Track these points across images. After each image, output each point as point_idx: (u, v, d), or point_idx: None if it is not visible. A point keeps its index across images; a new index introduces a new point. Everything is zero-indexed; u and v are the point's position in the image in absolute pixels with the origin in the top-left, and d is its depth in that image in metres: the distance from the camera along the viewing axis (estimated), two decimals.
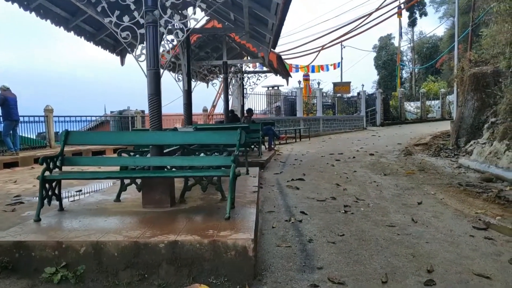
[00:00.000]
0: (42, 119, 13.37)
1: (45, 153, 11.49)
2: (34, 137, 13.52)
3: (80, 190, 7.31)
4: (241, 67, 15.11)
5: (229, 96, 15.83)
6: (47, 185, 4.52)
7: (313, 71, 28.91)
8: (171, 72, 9.67)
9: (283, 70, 14.16)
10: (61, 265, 3.58)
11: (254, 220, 4.26)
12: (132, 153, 5.35)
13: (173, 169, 5.02)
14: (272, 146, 14.50)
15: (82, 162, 4.95)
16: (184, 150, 5.22)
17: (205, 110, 20.34)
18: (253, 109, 15.46)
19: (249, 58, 13.48)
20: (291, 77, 16.37)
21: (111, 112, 19.80)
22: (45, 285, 3.46)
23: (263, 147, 13.75)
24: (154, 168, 4.95)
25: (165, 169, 5.01)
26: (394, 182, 8.39)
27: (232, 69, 14.70)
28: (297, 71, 26.77)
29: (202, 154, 5.24)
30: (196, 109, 22.57)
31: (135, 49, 5.11)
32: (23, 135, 12.66)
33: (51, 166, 4.61)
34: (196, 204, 5.08)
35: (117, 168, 5.18)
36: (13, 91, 11.33)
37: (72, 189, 7.43)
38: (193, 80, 9.36)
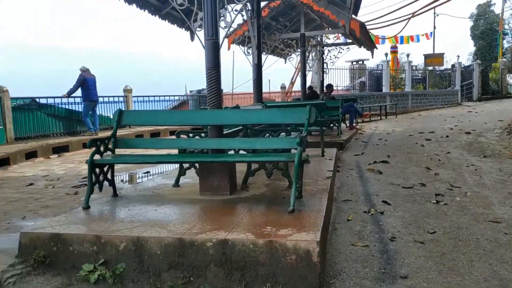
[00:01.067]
0: (121, 99, 13.62)
1: (124, 133, 11.61)
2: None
3: (148, 172, 7.08)
4: (321, 39, 14.09)
5: (308, 72, 14.97)
6: (97, 170, 4.18)
7: (401, 42, 26.71)
8: (240, 45, 9.10)
9: (367, 40, 12.94)
10: (99, 262, 3.17)
11: (323, 214, 3.55)
12: (191, 135, 4.85)
13: (233, 153, 4.44)
14: (354, 124, 13.47)
15: (136, 144, 4.57)
16: (247, 131, 4.60)
17: (283, 87, 19.61)
18: (333, 85, 14.47)
19: (329, 29, 12.44)
20: (376, 48, 15.01)
21: (190, 91, 19.87)
22: (80, 284, 3.07)
23: (343, 125, 12.80)
24: (213, 151, 4.41)
25: (226, 153, 4.45)
26: (496, 166, 7.11)
27: (310, 42, 13.75)
28: (383, 42, 24.92)
29: (267, 135, 4.60)
30: (274, 87, 21.98)
31: (191, 17, 4.54)
32: (104, 114, 12.96)
33: (101, 149, 4.25)
34: (259, 192, 4.47)
35: (173, 151, 4.71)
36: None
37: (139, 171, 7.23)
38: (264, 53, 8.68)
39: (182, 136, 4.81)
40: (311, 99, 12.38)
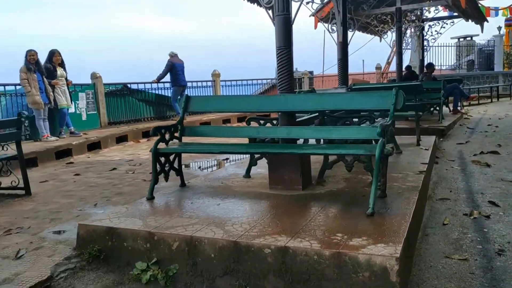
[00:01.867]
0: (209, 84, 13.66)
1: (211, 117, 11.59)
2: None
3: (227, 158, 6.85)
4: (420, 13, 12.74)
5: (405, 50, 13.73)
6: (162, 159, 3.96)
7: None
8: (323, 22, 8.38)
9: (475, 12, 11.40)
10: (152, 261, 2.93)
11: (409, 220, 2.94)
12: (262, 122, 4.44)
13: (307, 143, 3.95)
14: (459, 108, 12.07)
15: (203, 132, 4.28)
16: (324, 118, 4.06)
17: (378, 67, 18.34)
18: (435, 64, 13.09)
19: (430, 1, 11.14)
20: (487, 21, 13.23)
21: None
22: (132, 284, 2.85)
23: (446, 109, 11.51)
24: (283, 141, 3.96)
25: (297, 143, 3.98)
26: None
27: (408, 17, 12.48)
28: (496, 14, 22.13)
29: (348, 123, 4.03)
30: (369, 67, 20.70)
31: None
32: None
33: (167, 137, 4.03)
34: (336, 188, 3.94)
35: (242, 140, 4.35)
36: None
37: (213, 159, 7.03)
38: (350, 30, 7.93)
39: (252, 123, 4.43)
40: (408, 80, 11.28)
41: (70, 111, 8.84)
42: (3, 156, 4.85)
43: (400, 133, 7.44)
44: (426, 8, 11.86)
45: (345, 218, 3.07)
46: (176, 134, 4.12)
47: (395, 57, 12.10)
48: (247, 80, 15.15)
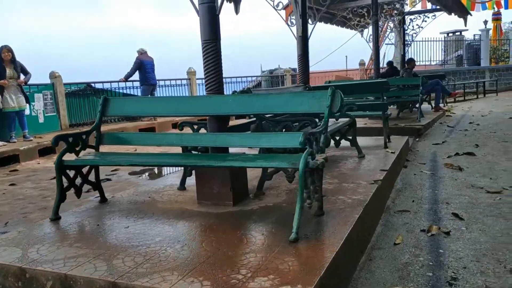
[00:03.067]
0: (184, 82, 13.08)
1: (159, 121, 10.87)
2: None
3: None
4: (401, 6, 12.20)
5: (388, 46, 13.22)
6: (72, 172, 3.42)
7: (506, 7, 23.05)
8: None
9: (456, 5, 10.89)
10: None
11: (336, 249, 2.41)
12: (196, 127, 3.90)
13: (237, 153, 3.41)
14: (441, 105, 11.58)
15: (124, 140, 3.72)
16: (261, 123, 3.53)
17: (362, 64, 17.81)
18: (418, 59, 12.58)
19: None
20: (470, 15, 12.72)
21: (262, 72, 18.91)
22: None
23: (428, 107, 11.04)
24: (214, 149, 3.43)
25: (227, 152, 3.44)
26: None
27: (385, 10, 11.96)
28: (484, 8, 21.70)
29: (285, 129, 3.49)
30: (352, 64, 20.17)
31: None
32: None
33: (79, 146, 3.48)
34: (273, 202, 3.41)
35: (171, 150, 3.81)
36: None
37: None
38: (310, 23, 7.39)
39: (185, 128, 3.89)
40: (389, 76, 10.76)
41: (25, 113, 8.25)
42: None
43: (371, 134, 6.94)
44: (406, 1, 11.34)
45: (263, 245, 2.54)
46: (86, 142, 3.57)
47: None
48: (226, 78, 14.59)
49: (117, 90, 11.16)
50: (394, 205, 4.17)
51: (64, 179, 3.34)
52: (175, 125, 9.66)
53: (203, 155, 3.38)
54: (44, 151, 7.65)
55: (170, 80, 12.56)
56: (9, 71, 7.77)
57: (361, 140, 5.39)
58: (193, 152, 3.70)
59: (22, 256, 2.58)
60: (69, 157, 3.35)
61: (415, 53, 16.96)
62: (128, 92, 11.36)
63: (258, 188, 3.65)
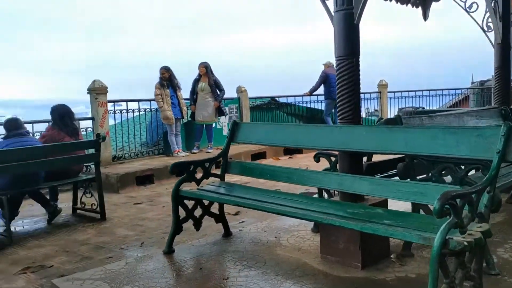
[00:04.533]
0: (374, 96, 12.13)
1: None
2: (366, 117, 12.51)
3: None
4: None
5: None
6: (191, 202, 3.18)
7: None
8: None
9: None
10: None
11: None
12: (333, 158, 3.22)
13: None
14: None
15: (250, 171, 3.32)
16: (412, 162, 2.64)
17: None
18: None
19: None
20: None
21: (472, 83, 16.29)
22: None
23: None
24: (343, 195, 2.72)
25: (357, 201, 2.67)
26: None
27: None
28: None
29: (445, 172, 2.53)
30: None
31: None
32: None
33: (203, 174, 3.22)
34: (417, 273, 2.51)
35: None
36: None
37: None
38: None
39: (321, 158, 3.27)
40: None
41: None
42: (82, 177, 4.79)
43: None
44: None
45: None
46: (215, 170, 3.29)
47: None
48: (422, 90, 13.06)
49: (300, 104, 11.04)
50: None
51: (181, 209, 3.12)
52: (286, 151, 8.98)
53: (330, 203, 2.68)
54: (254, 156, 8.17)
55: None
56: (201, 84, 8.31)
57: None
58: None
59: None
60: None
61: None
62: (312, 106, 11.12)
63: (404, 248, 2.77)
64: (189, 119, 8.54)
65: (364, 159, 3.14)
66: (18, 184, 4.16)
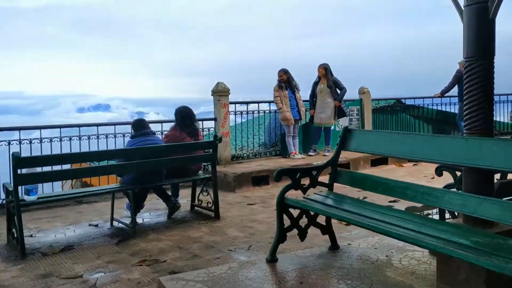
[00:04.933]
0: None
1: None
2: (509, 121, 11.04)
3: None
4: None
5: None
6: (296, 211, 3.07)
7: None
8: None
9: None
10: None
11: None
12: (458, 173, 2.82)
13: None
14: None
15: (361, 183, 3.07)
16: None
17: None
18: None
19: None
20: None
21: None
22: None
23: None
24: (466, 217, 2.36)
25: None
26: None
27: None
28: None
29: None
30: None
31: None
32: (497, 119, 10.52)
33: (309, 182, 3.09)
34: None
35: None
36: None
37: None
38: None
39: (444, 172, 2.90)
40: None
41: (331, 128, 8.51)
42: (200, 176, 4.99)
43: None
44: None
45: None
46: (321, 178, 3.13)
47: None
48: None
49: (429, 107, 10.17)
50: None
51: (285, 217, 3.03)
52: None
53: (450, 227, 2.33)
54: (374, 162, 7.86)
55: (499, 95, 10.51)
56: (320, 86, 8.16)
57: None
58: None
59: None
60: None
61: None
62: (443, 109, 10.17)
63: None
64: (307, 121, 8.43)
65: (497, 176, 2.70)
66: (142, 180, 4.49)
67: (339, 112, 8.33)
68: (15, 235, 3.84)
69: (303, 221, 3.12)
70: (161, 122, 6.61)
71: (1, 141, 5.45)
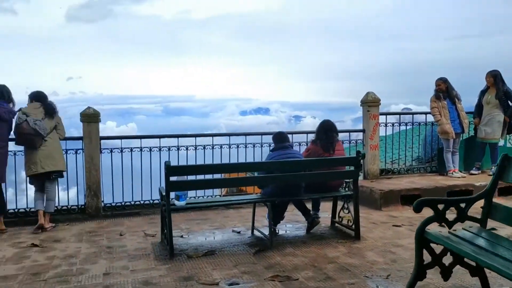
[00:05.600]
0: None
1: None
2: None
3: None
4: None
5: None
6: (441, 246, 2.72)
7: None
8: None
9: None
10: None
11: None
12: None
13: None
14: None
15: None
16: None
17: None
18: None
19: None
20: None
21: None
22: None
23: None
24: None
25: None
26: None
27: None
28: None
29: None
30: None
31: None
32: None
33: (457, 215, 2.71)
34: None
35: None
36: None
37: None
38: None
39: None
40: None
41: (499, 144, 7.42)
42: (340, 193, 4.81)
43: None
44: None
45: None
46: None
47: None
48: None
49: None
50: None
51: (426, 252, 2.70)
52: None
53: None
54: (504, 190, 6.60)
55: None
56: (486, 97, 7.17)
57: None
58: None
59: None
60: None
61: None
62: None
63: None
64: (471, 134, 7.52)
65: None
66: (281, 193, 4.54)
67: (509, 128, 7.20)
68: (166, 236, 4.24)
69: (448, 258, 2.75)
70: (307, 133, 6.61)
71: (163, 147, 6.14)
